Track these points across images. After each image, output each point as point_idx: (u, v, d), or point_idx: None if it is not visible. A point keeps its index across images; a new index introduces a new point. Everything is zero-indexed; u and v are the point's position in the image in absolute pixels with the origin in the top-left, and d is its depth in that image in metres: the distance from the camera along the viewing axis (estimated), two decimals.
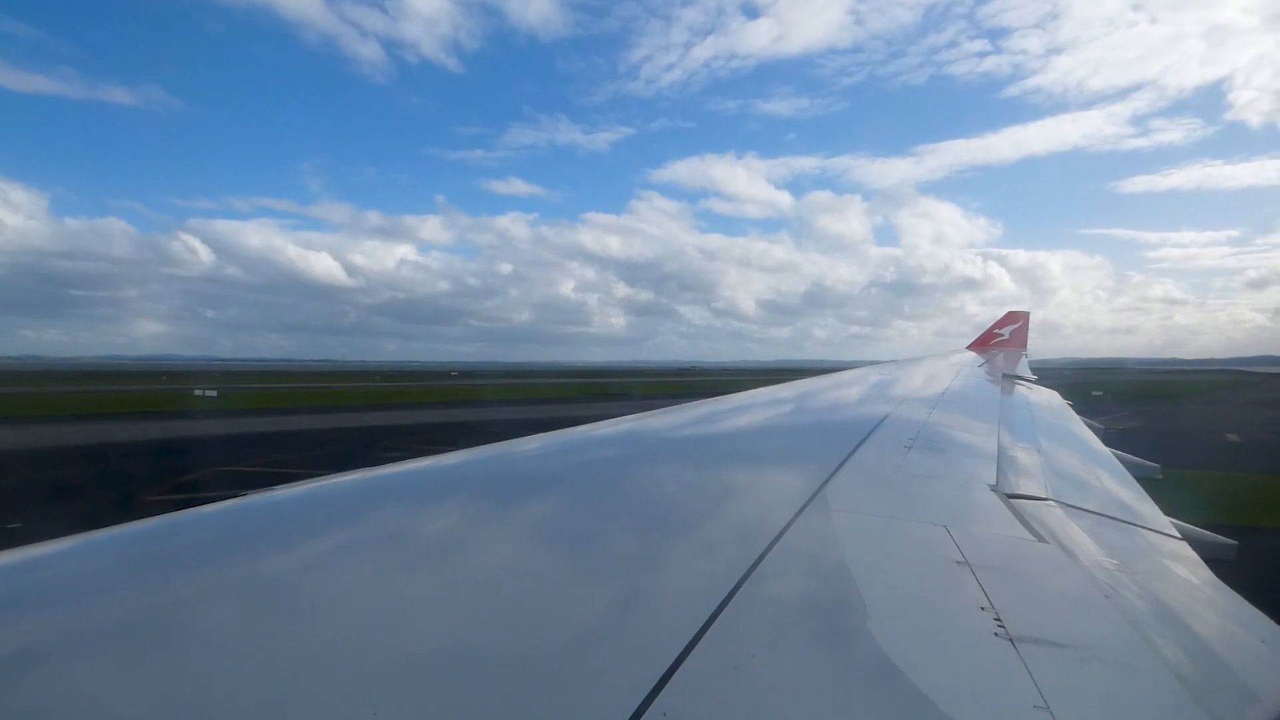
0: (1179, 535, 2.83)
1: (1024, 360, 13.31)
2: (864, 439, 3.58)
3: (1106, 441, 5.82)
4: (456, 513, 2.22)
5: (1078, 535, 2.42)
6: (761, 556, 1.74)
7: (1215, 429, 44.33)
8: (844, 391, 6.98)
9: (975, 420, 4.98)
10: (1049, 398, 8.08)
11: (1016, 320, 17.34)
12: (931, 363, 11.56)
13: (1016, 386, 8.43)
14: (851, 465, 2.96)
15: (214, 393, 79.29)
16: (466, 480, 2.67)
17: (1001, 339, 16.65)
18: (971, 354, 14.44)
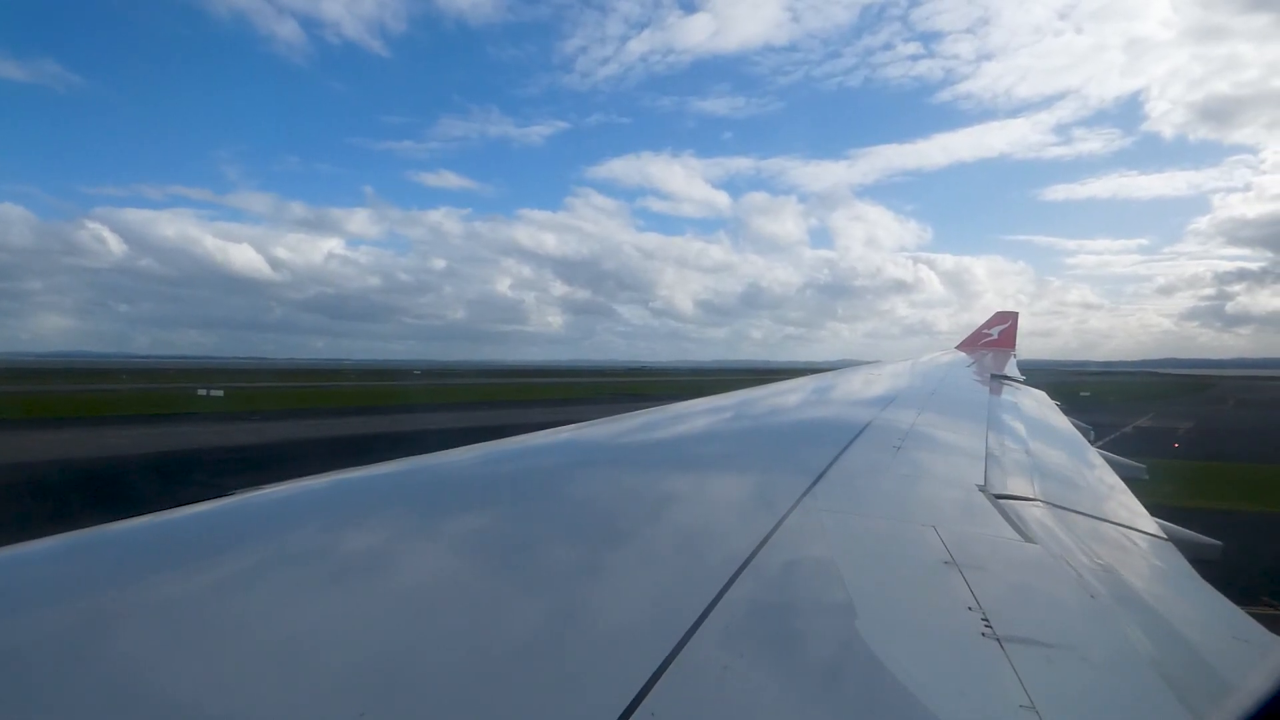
0: (1165, 536, 2.90)
1: (1012, 360, 13.37)
2: (853, 439, 3.60)
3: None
4: (451, 513, 2.20)
5: (1064, 535, 2.47)
6: (750, 558, 1.76)
7: (1266, 429, 47.31)
8: (833, 392, 7.06)
9: (963, 420, 5.05)
10: (1037, 398, 8.26)
11: (1005, 320, 17.41)
12: (920, 363, 11.73)
13: (1004, 387, 8.58)
14: (840, 466, 2.97)
15: (220, 392, 75.19)
16: (462, 480, 2.63)
17: (990, 339, 16.78)
18: (961, 354, 14.66)
